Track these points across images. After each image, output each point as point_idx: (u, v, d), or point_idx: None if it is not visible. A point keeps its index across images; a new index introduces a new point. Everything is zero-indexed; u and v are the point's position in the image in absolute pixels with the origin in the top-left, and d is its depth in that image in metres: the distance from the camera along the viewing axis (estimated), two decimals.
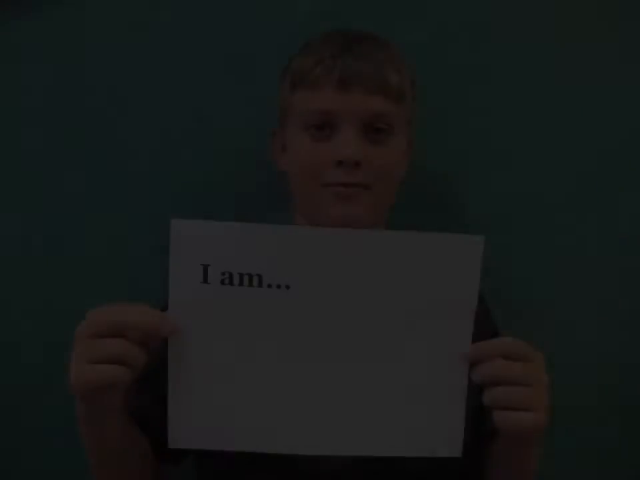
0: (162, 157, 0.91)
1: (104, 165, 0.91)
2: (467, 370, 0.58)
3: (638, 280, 0.93)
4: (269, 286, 0.57)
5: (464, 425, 0.60)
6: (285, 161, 0.78)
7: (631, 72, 0.92)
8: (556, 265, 0.93)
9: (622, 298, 0.93)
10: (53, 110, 0.90)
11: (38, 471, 0.92)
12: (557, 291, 0.93)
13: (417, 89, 0.77)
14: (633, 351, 0.94)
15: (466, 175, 0.93)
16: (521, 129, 0.92)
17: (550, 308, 0.93)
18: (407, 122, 0.76)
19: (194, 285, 0.56)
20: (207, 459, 0.73)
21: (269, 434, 0.60)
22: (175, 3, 0.90)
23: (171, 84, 0.90)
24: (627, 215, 0.93)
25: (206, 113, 0.90)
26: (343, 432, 0.60)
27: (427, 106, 0.81)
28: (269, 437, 0.60)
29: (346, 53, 0.71)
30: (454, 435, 0.60)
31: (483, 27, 0.91)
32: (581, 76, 0.92)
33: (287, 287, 0.57)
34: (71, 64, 0.89)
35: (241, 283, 0.57)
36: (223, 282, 0.57)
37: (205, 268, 0.56)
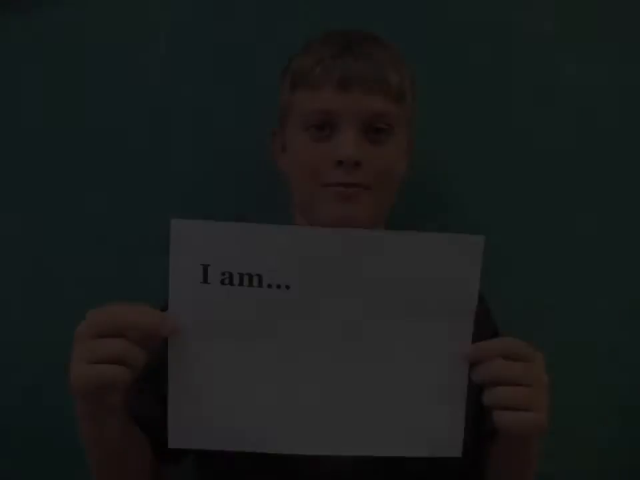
0: (162, 156, 0.91)
1: (104, 164, 0.91)
2: (467, 370, 0.58)
3: (638, 279, 0.93)
4: (269, 286, 0.57)
5: (464, 425, 0.60)
6: (285, 161, 0.78)
7: (631, 72, 0.92)
8: (556, 265, 0.93)
9: (622, 297, 0.93)
10: (53, 110, 0.90)
11: (38, 471, 0.92)
12: (557, 291, 0.93)
13: (417, 89, 0.77)
14: (633, 351, 0.94)
15: (466, 175, 0.93)
16: (521, 128, 0.92)
17: (550, 308, 0.93)
18: (407, 122, 0.76)
19: (194, 285, 0.56)
20: (207, 459, 0.73)
21: (269, 434, 0.60)
22: (175, 2, 0.90)
23: (170, 84, 0.90)
24: (627, 214, 0.93)
25: (206, 113, 0.90)
26: (342, 432, 0.60)
27: (427, 106, 0.81)
28: (269, 437, 0.60)
29: (346, 53, 0.71)
30: (454, 435, 0.60)
31: (483, 27, 0.91)
32: (581, 76, 0.92)
33: (287, 287, 0.57)
34: (71, 64, 0.89)
35: (241, 283, 0.57)
36: (222, 282, 0.57)
37: (205, 268, 0.56)
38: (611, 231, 0.93)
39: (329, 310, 0.58)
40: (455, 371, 0.58)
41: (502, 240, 0.90)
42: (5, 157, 0.90)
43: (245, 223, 0.57)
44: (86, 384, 0.54)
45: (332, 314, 0.58)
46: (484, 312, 0.78)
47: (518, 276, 0.93)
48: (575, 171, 0.93)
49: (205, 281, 0.56)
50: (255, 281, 0.57)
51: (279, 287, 0.57)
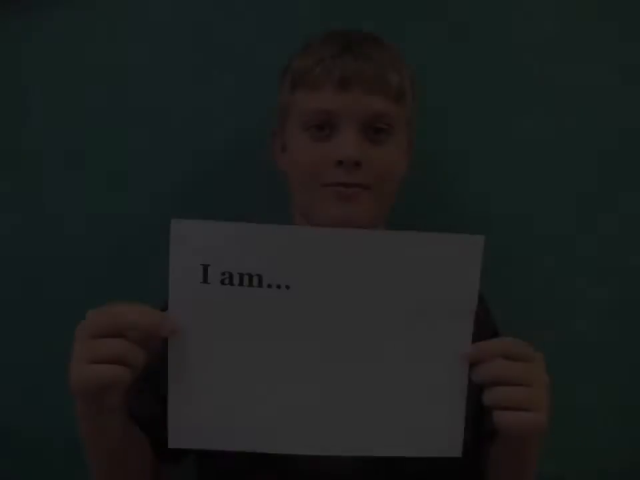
0: (162, 156, 0.91)
1: (104, 164, 0.91)
2: (467, 370, 0.58)
3: (638, 280, 0.93)
4: (269, 286, 0.57)
5: (464, 425, 0.60)
6: (284, 161, 0.78)
7: (631, 72, 0.92)
8: (556, 265, 0.93)
9: (622, 298, 0.93)
10: (53, 110, 0.90)
11: (38, 471, 0.92)
12: (557, 291, 0.93)
13: (417, 89, 0.77)
14: (633, 351, 0.94)
15: (466, 175, 0.93)
16: (521, 128, 0.92)
17: (550, 308, 0.93)
18: (407, 122, 0.76)
19: (194, 285, 0.56)
20: (208, 459, 0.73)
21: (269, 434, 0.60)
22: (175, 2, 0.90)
23: (170, 84, 0.90)
24: (627, 215, 0.93)
25: (206, 113, 0.90)
26: (342, 432, 0.60)
27: (427, 106, 0.81)
28: (269, 437, 0.60)
29: (346, 53, 0.71)
30: (454, 435, 0.60)
31: (483, 27, 0.91)
32: (582, 76, 0.92)
33: (287, 287, 0.57)
34: (71, 64, 0.89)
35: (240, 283, 0.57)
36: (223, 282, 0.57)
37: (205, 268, 0.56)
38: (611, 231, 0.93)
39: (329, 310, 0.58)
40: (454, 371, 0.58)
41: (502, 240, 0.90)
42: (5, 157, 0.90)
43: (244, 223, 0.57)
44: (86, 384, 0.54)
45: (332, 314, 0.58)
46: (484, 312, 0.78)
47: (518, 276, 0.93)
48: (575, 170, 0.93)
49: (205, 281, 0.56)
50: (255, 280, 0.57)
51: (279, 287, 0.57)
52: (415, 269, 0.58)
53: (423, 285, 0.58)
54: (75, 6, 0.89)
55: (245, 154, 0.91)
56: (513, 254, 0.92)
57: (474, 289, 0.58)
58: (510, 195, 0.93)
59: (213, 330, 0.58)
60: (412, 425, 0.60)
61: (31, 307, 0.91)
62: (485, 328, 0.70)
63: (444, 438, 0.60)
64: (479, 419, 0.67)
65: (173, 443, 0.59)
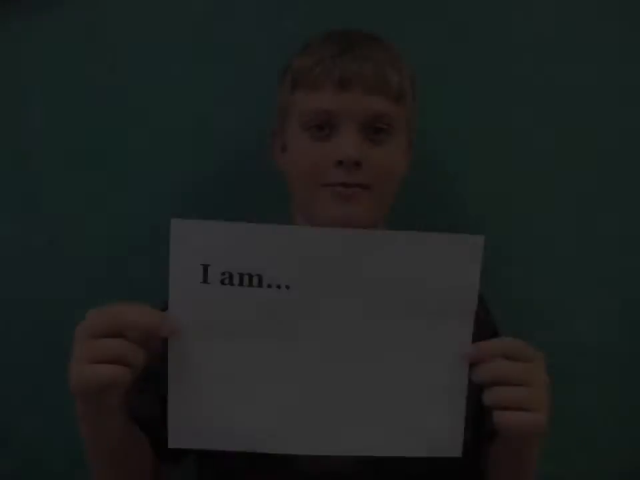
0: (162, 156, 0.91)
1: (104, 164, 0.91)
2: (467, 370, 0.58)
3: (638, 280, 0.93)
4: (269, 286, 0.57)
5: (464, 425, 0.60)
6: (284, 161, 0.78)
7: (632, 72, 0.92)
8: (556, 264, 0.93)
9: (622, 298, 0.93)
10: (53, 110, 0.90)
11: (38, 471, 0.92)
12: (557, 290, 0.93)
13: (418, 89, 0.77)
14: (633, 351, 0.94)
15: (466, 175, 0.93)
16: (521, 128, 0.92)
17: (550, 308, 0.93)
18: (407, 122, 0.76)
19: (194, 285, 0.56)
20: (208, 459, 0.73)
21: (268, 434, 0.60)
22: (175, 2, 0.90)
23: (170, 84, 0.90)
24: (627, 215, 0.93)
25: (206, 113, 0.90)
26: (343, 432, 0.60)
27: (427, 106, 0.81)
28: (268, 437, 0.60)
29: (346, 53, 0.71)
30: (454, 435, 0.60)
31: (483, 27, 0.91)
32: (582, 76, 0.92)
33: (287, 287, 0.57)
34: (71, 64, 0.89)
35: (240, 283, 0.57)
36: (223, 282, 0.57)
37: (205, 268, 0.56)
38: (611, 231, 0.93)
39: (329, 310, 0.58)
40: (454, 371, 0.58)
41: (502, 240, 0.90)
42: (5, 157, 0.90)
43: (244, 223, 0.57)
44: (86, 384, 0.54)
45: (332, 314, 0.58)
46: (484, 312, 0.78)
47: (518, 276, 0.93)
48: (575, 170, 0.93)
49: (205, 281, 0.56)
50: (255, 280, 0.57)
51: (279, 287, 0.57)
52: (415, 269, 0.58)
53: (423, 285, 0.58)
54: (75, 6, 0.89)
55: (245, 154, 0.91)
56: (513, 254, 0.92)
57: (474, 289, 0.58)
58: (510, 195, 0.93)
59: (213, 330, 0.58)
60: (412, 425, 0.60)
61: (31, 307, 0.91)
62: (485, 328, 0.70)
63: (444, 438, 0.60)
64: (479, 419, 0.67)
65: (172, 443, 0.59)
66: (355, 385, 0.59)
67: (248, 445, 0.60)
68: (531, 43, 0.92)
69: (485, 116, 0.92)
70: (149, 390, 0.64)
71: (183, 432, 0.59)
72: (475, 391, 0.58)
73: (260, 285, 0.57)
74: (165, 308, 0.57)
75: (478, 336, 0.59)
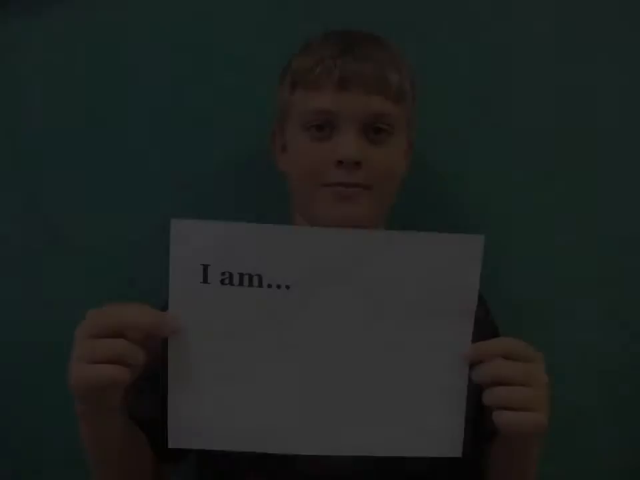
0: (162, 157, 0.91)
1: (104, 164, 0.91)
2: (467, 370, 0.58)
3: (638, 280, 0.93)
4: (269, 286, 0.57)
5: (464, 425, 0.60)
6: (284, 161, 0.78)
7: (631, 72, 0.92)
8: (556, 265, 0.93)
9: (622, 298, 0.93)
10: (53, 110, 0.90)
11: (38, 471, 0.92)
12: (557, 290, 0.93)
13: (418, 89, 0.77)
14: (633, 351, 0.94)
15: (466, 175, 0.93)
16: (521, 128, 0.92)
17: (550, 308, 0.93)
18: (407, 122, 0.76)
19: (194, 285, 0.56)
20: (208, 459, 0.73)
21: (268, 434, 0.60)
22: (175, 2, 0.90)
23: (170, 84, 0.90)
24: (627, 215, 0.93)
25: (206, 113, 0.90)
26: (343, 432, 0.60)
27: (427, 106, 0.81)
28: (268, 437, 0.60)
29: (346, 53, 0.71)
30: (454, 435, 0.60)
31: (483, 27, 0.91)
32: (581, 76, 0.92)
33: (287, 287, 0.57)
34: (71, 64, 0.89)
35: (240, 283, 0.57)
36: (223, 282, 0.57)
37: (205, 268, 0.56)
38: (612, 231, 0.93)
39: (329, 310, 0.58)
40: (454, 371, 0.58)
41: (502, 240, 0.90)
42: (5, 157, 0.90)
43: (244, 223, 0.57)
44: (86, 384, 0.54)
45: (332, 314, 0.58)
46: (484, 312, 0.78)
47: (518, 276, 0.93)
48: (575, 171, 0.93)
49: (205, 280, 0.56)
50: (255, 280, 0.57)
51: (279, 287, 0.57)
52: (415, 269, 0.58)
53: (423, 285, 0.58)
54: (75, 6, 0.89)
55: (245, 154, 0.91)
56: (513, 254, 0.92)
57: (474, 289, 0.58)
58: (510, 195, 0.93)
59: (213, 330, 0.58)
60: (412, 425, 0.60)
61: (31, 307, 0.91)
62: (484, 328, 0.70)
63: (444, 438, 0.60)
64: (479, 419, 0.67)
65: (172, 443, 0.59)
66: (354, 384, 0.59)
67: (248, 444, 0.60)
68: (531, 43, 0.91)
69: (485, 116, 0.92)
70: (148, 390, 0.64)
71: (182, 432, 0.59)
72: (475, 391, 0.58)
73: (260, 285, 0.57)
74: (164, 308, 0.57)
75: (478, 336, 0.59)
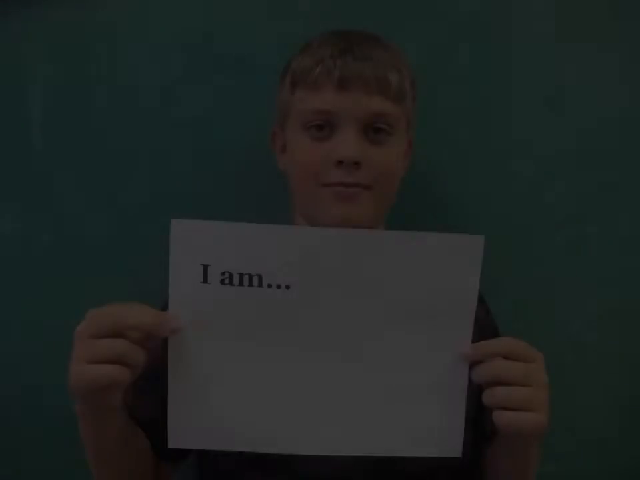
0: (162, 157, 0.91)
1: (104, 164, 0.91)
2: (467, 370, 0.58)
3: (638, 280, 0.93)
4: (269, 286, 0.57)
5: (464, 425, 0.60)
6: (285, 161, 0.78)
7: (632, 72, 0.92)
8: (556, 264, 0.93)
9: (622, 298, 0.93)
10: (53, 110, 0.90)
11: (38, 471, 0.92)
12: (557, 291, 0.93)
13: (418, 89, 0.77)
14: (633, 351, 0.94)
15: (466, 175, 0.93)
16: (521, 129, 0.92)
17: (550, 308, 0.93)
18: (407, 122, 0.76)
19: (194, 285, 0.57)
20: (208, 459, 0.73)
21: (268, 434, 0.60)
22: (175, 2, 0.90)
23: (170, 84, 0.90)
24: (627, 214, 0.93)
25: (206, 113, 0.90)
26: (342, 432, 0.60)
27: (427, 106, 0.81)
28: (268, 437, 0.60)
29: (346, 53, 0.71)
30: (454, 435, 0.60)
31: (483, 27, 0.91)
32: (581, 76, 0.92)
33: (287, 287, 0.57)
34: (71, 64, 0.89)
35: (240, 283, 0.57)
36: (223, 282, 0.57)
37: (205, 268, 0.56)
38: (612, 231, 0.93)
39: (329, 310, 0.58)
40: (454, 371, 0.58)
41: (502, 240, 0.90)
42: (5, 157, 0.90)
43: (245, 223, 0.57)
44: (86, 384, 0.54)
45: (332, 314, 0.58)
46: (484, 312, 0.78)
47: (518, 276, 0.93)
48: (574, 171, 0.93)
49: (205, 280, 0.57)
50: (255, 280, 0.57)
51: (279, 287, 0.57)
52: (415, 269, 0.58)
53: (423, 285, 0.58)
54: (75, 6, 0.89)
55: (246, 154, 0.91)
56: (513, 254, 0.92)
57: (474, 289, 0.58)
58: (510, 195, 0.93)
59: (213, 330, 0.58)
60: (412, 425, 0.60)
61: (31, 307, 0.91)
62: (485, 328, 0.70)
63: (444, 438, 0.60)
64: (479, 419, 0.67)
65: (172, 443, 0.59)
66: (354, 384, 0.59)
67: (248, 445, 0.60)
68: (531, 43, 0.91)
69: (484, 116, 0.92)
70: (148, 390, 0.64)
71: (182, 432, 0.59)
72: (475, 391, 0.58)
73: (260, 285, 0.57)
74: (164, 308, 0.57)
75: (478, 336, 0.59)
